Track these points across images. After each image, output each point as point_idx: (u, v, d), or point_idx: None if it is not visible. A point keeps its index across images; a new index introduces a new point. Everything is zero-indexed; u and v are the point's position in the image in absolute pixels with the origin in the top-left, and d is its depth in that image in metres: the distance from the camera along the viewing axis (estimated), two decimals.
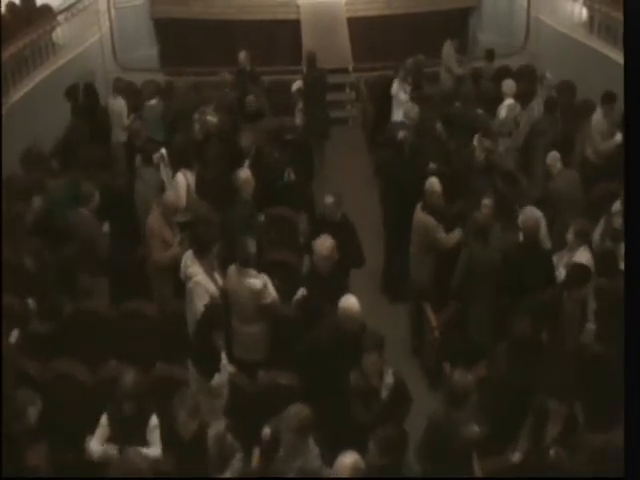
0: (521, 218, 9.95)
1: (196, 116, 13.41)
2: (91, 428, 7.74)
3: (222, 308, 8.86)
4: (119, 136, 14.57)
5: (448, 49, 17.20)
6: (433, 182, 10.61)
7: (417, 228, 10.62)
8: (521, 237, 9.87)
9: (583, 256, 9.48)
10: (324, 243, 9.07)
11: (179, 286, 9.88)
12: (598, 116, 13.05)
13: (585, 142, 13.15)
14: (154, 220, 10.36)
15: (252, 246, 9.28)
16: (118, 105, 14.93)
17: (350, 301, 8.17)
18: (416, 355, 10.87)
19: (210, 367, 8.30)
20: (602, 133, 12.94)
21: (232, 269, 9.32)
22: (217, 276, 9.39)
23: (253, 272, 9.22)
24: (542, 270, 9.44)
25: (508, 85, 14.16)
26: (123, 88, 15.80)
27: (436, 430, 7.41)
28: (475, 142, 12.15)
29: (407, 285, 11.19)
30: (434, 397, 9.52)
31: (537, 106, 13.88)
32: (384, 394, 7.75)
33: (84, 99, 15.25)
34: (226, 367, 8.51)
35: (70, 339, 9.66)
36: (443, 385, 7.92)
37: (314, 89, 15.79)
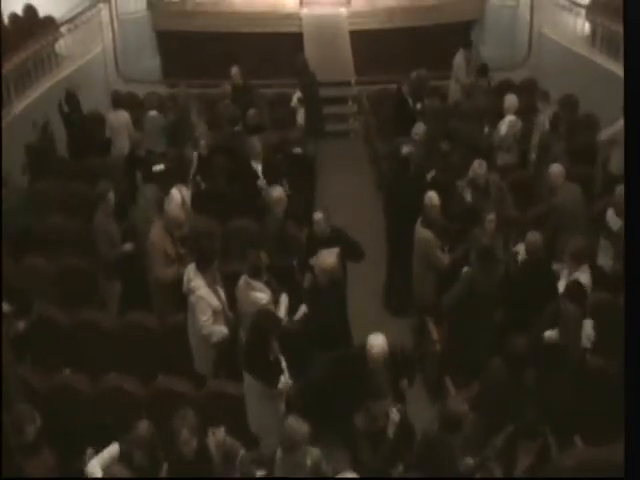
0: (527, 236, 9.93)
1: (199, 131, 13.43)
2: (90, 440, 7.70)
3: (273, 312, 8.85)
4: (122, 148, 14.49)
5: (460, 59, 17.14)
6: (432, 196, 10.60)
7: (417, 243, 10.61)
8: (523, 254, 9.86)
9: (583, 277, 9.45)
10: (328, 258, 9.11)
11: (181, 299, 9.89)
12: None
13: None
14: (156, 234, 10.34)
15: (263, 258, 9.30)
16: (121, 118, 14.86)
17: (379, 340, 8.22)
18: (418, 369, 10.81)
19: (273, 372, 8.27)
20: None
21: (242, 280, 9.33)
22: (221, 291, 9.39)
23: (260, 285, 9.23)
24: (545, 289, 9.40)
25: (510, 101, 14.06)
26: (122, 100, 15.73)
27: (430, 448, 7.39)
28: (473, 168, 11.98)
29: (409, 300, 11.16)
30: (435, 411, 9.56)
31: (543, 121, 13.82)
32: (390, 432, 7.70)
33: (68, 109, 15.20)
34: (286, 369, 8.48)
35: (70, 350, 9.69)
36: (439, 408, 7.90)
37: (310, 93, 15.93)
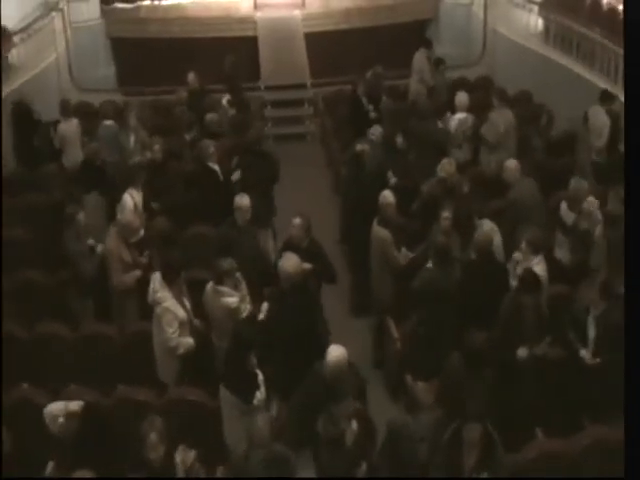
0: (475, 234, 9.97)
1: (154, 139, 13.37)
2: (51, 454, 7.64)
3: (252, 327, 8.79)
4: (74, 157, 14.34)
5: (421, 58, 17.19)
6: (386, 195, 10.64)
7: (374, 242, 10.62)
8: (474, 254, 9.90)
9: (538, 267, 9.50)
10: (289, 261, 9.05)
11: (141, 307, 9.93)
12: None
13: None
14: (111, 241, 10.29)
15: (229, 264, 9.24)
16: (72, 127, 14.71)
17: (337, 352, 7.99)
18: (378, 368, 10.84)
19: (249, 387, 8.19)
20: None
21: (209, 287, 9.31)
22: (186, 301, 9.33)
23: (227, 290, 9.20)
24: (498, 284, 9.46)
25: (460, 99, 14.18)
26: (72, 109, 15.57)
27: (394, 439, 7.38)
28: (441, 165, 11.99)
29: (369, 299, 11.17)
30: (396, 409, 9.60)
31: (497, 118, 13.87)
32: (349, 440, 7.54)
33: (18, 118, 15.05)
34: (263, 382, 8.37)
35: (29, 363, 9.60)
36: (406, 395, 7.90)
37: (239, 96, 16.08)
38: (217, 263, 9.26)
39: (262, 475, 7.16)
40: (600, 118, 13.21)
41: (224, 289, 9.20)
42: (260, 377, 8.33)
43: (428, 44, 17.83)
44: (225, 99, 15.99)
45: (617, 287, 8.79)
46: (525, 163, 12.06)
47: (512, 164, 11.61)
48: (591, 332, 8.86)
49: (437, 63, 16.61)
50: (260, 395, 8.22)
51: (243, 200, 10.61)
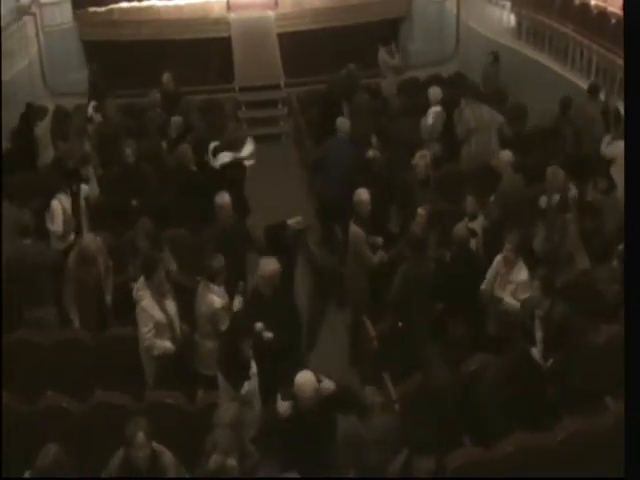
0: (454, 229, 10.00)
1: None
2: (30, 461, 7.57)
3: (246, 318, 8.77)
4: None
5: (382, 56, 17.34)
6: (360, 192, 10.63)
7: (350, 241, 10.65)
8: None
9: (521, 274, 9.54)
10: (268, 265, 9.03)
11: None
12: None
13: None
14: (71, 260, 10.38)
15: (219, 262, 9.28)
16: (41, 130, 14.68)
17: (305, 377, 7.56)
18: (354, 366, 10.84)
19: (239, 376, 8.28)
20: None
21: (202, 283, 9.37)
22: (169, 303, 9.26)
23: (220, 291, 9.29)
24: (473, 280, 9.49)
25: (434, 92, 14.30)
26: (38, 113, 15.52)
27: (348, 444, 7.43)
28: (416, 159, 12.03)
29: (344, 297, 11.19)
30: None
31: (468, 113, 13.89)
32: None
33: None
34: (255, 376, 8.46)
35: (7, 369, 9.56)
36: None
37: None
38: (208, 262, 9.31)
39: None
40: (589, 109, 13.32)
41: (214, 287, 9.25)
42: (253, 370, 8.41)
43: (387, 42, 18.01)
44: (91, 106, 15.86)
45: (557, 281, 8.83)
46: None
47: (506, 156, 11.65)
48: (538, 333, 8.76)
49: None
50: (248, 386, 8.28)
51: (224, 198, 10.67)
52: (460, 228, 9.91)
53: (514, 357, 8.39)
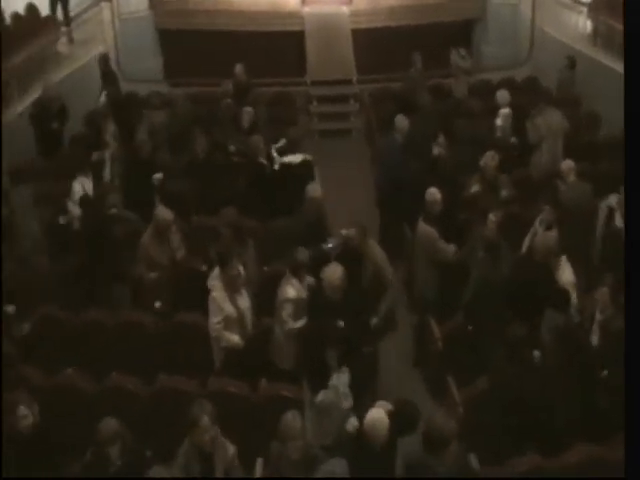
0: (537, 239, 9.92)
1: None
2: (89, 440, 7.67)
3: (335, 326, 8.59)
4: None
5: (454, 56, 17.28)
6: (433, 192, 10.54)
7: (420, 240, 10.59)
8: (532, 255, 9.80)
9: (566, 273, 9.53)
10: (335, 272, 8.91)
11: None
12: None
13: None
14: (145, 237, 10.51)
15: (303, 255, 9.30)
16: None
17: (377, 415, 7.26)
18: (418, 367, 10.83)
19: (318, 383, 8.24)
20: None
21: (286, 274, 9.37)
22: (241, 297, 9.27)
23: (298, 285, 9.26)
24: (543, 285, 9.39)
25: (502, 96, 14.31)
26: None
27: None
28: (484, 160, 11.97)
29: (412, 298, 11.16)
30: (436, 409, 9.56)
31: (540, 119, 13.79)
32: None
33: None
34: (336, 388, 8.31)
35: (76, 349, 9.72)
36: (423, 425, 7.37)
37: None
38: (294, 254, 9.31)
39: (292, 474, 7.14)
40: None
41: (294, 280, 9.24)
42: (333, 381, 8.28)
43: (460, 44, 17.98)
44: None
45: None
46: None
47: (567, 165, 11.55)
48: (594, 337, 8.75)
49: None
50: (324, 395, 8.22)
51: (317, 190, 10.72)
52: (549, 238, 9.80)
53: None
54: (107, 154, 13.31)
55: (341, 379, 8.31)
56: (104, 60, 16.61)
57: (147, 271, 10.39)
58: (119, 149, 13.69)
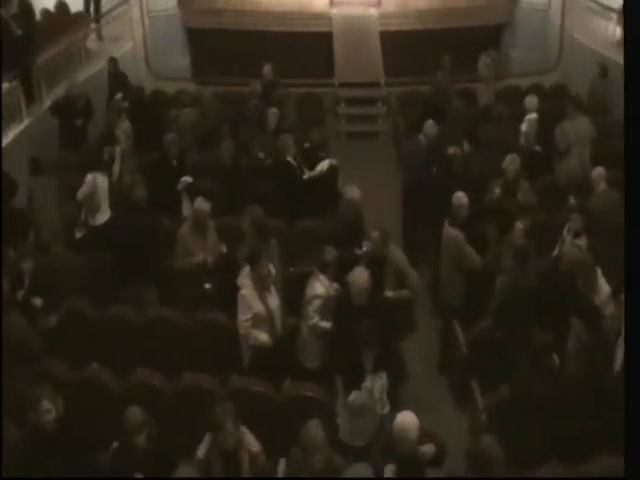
0: (565, 247, 9.90)
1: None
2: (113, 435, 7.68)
3: (374, 327, 8.38)
4: None
5: (482, 61, 17.21)
6: (460, 196, 10.50)
7: (446, 243, 10.56)
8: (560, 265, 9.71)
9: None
10: (362, 276, 8.94)
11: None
12: None
13: None
14: (184, 228, 10.63)
15: (331, 254, 9.39)
16: None
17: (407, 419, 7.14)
18: (443, 372, 10.81)
19: (351, 383, 8.19)
20: None
21: (313, 273, 9.46)
22: (271, 296, 9.28)
23: (324, 279, 9.35)
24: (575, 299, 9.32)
25: (530, 101, 14.34)
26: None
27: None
28: (505, 163, 11.93)
29: (437, 303, 11.13)
30: (460, 415, 9.55)
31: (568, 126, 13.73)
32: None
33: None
34: (369, 390, 8.20)
35: (102, 344, 9.76)
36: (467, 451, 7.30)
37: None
38: (323, 254, 9.38)
39: None
40: None
41: (323, 277, 9.29)
42: (367, 383, 8.19)
43: (489, 48, 17.93)
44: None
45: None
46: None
47: (597, 172, 11.49)
48: (619, 350, 8.56)
49: None
50: (356, 396, 8.15)
51: (356, 192, 10.74)
52: (577, 247, 9.80)
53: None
54: (117, 150, 13.36)
55: (376, 383, 8.24)
56: (113, 63, 16.60)
57: (183, 262, 10.52)
58: (132, 147, 13.86)
